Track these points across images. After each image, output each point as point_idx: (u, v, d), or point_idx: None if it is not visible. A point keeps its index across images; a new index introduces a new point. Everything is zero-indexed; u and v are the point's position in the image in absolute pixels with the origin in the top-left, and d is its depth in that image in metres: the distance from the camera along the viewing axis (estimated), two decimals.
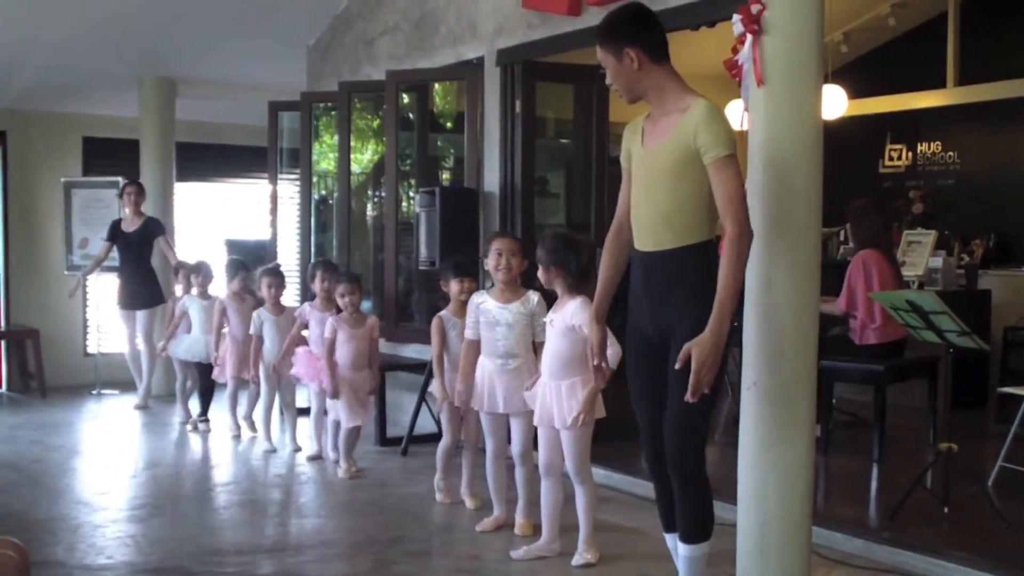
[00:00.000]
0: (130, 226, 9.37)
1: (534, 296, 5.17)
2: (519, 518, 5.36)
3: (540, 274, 4.82)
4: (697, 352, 3.48)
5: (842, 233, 9.15)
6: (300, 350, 7.10)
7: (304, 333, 7.35)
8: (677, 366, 3.55)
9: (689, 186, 3.63)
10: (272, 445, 7.54)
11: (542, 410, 4.81)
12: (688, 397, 3.52)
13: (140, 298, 9.34)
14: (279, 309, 7.57)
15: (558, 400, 4.74)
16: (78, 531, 5.51)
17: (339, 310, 6.80)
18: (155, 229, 9.39)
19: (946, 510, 5.28)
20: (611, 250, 4.05)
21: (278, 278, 7.62)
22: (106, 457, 7.48)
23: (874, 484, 6.39)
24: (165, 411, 9.27)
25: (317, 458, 7.15)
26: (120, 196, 9.51)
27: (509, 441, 5.37)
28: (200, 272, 8.56)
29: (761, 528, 4.18)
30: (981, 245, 9.56)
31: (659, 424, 3.82)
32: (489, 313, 5.21)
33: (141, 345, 9.40)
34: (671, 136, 3.66)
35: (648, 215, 3.76)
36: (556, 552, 4.98)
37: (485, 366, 5.27)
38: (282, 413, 7.84)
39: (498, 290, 5.22)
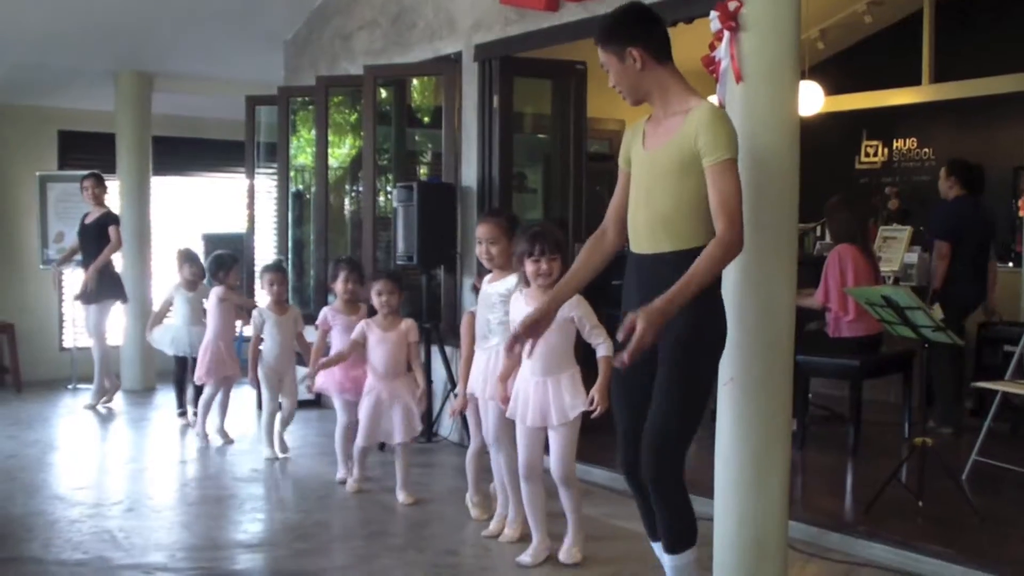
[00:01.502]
0: (89, 219, 9.24)
1: (514, 277, 4.93)
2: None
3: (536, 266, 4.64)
4: (640, 322, 3.32)
5: (818, 229, 9.20)
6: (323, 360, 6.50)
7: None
8: (619, 336, 3.38)
9: (689, 189, 3.56)
10: (275, 453, 7.09)
11: (534, 409, 4.67)
12: (621, 361, 3.36)
13: (92, 292, 9.11)
14: (282, 308, 7.14)
15: (556, 396, 4.62)
16: (54, 527, 5.49)
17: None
18: (108, 221, 9.17)
19: (921, 504, 5.32)
20: (588, 249, 3.96)
21: (280, 274, 7.20)
22: (82, 452, 7.45)
23: (849, 478, 6.43)
24: (140, 406, 9.25)
25: (344, 483, 6.40)
26: (80, 190, 9.35)
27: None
28: (186, 262, 8.36)
29: (738, 522, 4.20)
30: None
31: (640, 432, 3.73)
32: (481, 293, 5.15)
33: (90, 340, 9.20)
34: (673, 138, 3.60)
35: (646, 217, 3.68)
36: (551, 550, 4.89)
37: (476, 352, 5.19)
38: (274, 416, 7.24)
39: (493, 271, 5.14)
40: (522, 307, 4.66)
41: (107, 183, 9.46)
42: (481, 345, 5.14)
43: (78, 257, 9.41)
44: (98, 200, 9.23)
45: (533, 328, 3.88)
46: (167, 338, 8.38)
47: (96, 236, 9.13)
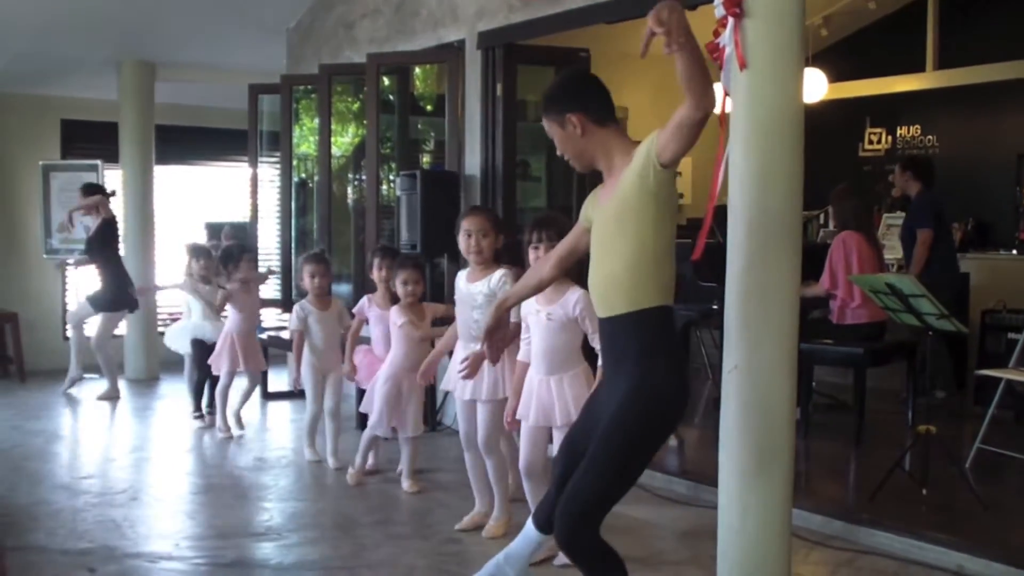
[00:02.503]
0: (91, 232, 9.27)
1: (498, 273, 4.88)
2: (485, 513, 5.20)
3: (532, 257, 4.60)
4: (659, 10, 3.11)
5: (822, 216, 9.19)
6: (359, 350, 6.41)
7: None
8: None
9: (641, 243, 3.40)
10: (318, 455, 6.76)
11: (537, 409, 4.57)
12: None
13: (97, 302, 9.15)
14: (325, 303, 6.67)
15: (560, 395, 4.51)
16: (59, 516, 5.50)
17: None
18: (102, 224, 9.18)
19: (924, 492, 5.32)
20: (536, 270, 3.96)
21: (322, 266, 6.68)
22: (86, 442, 7.46)
23: (853, 466, 6.44)
24: (144, 396, 9.26)
25: (375, 472, 6.39)
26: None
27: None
28: (198, 256, 8.25)
29: (741, 510, 4.19)
30: (960, 229, 9.61)
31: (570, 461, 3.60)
32: (461, 292, 5.04)
33: (78, 334, 9.29)
34: (620, 184, 3.46)
35: (602, 277, 3.55)
36: (552, 549, 4.82)
37: (458, 349, 5.12)
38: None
39: (472, 268, 5.03)
40: (530, 302, 4.58)
41: (107, 177, 9.46)
42: (469, 346, 5.00)
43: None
44: (93, 210, 9.20)
45: (493, 338, 3.86)
46: (188, 335, 8.20)
47: (100, 245, 9.14)
